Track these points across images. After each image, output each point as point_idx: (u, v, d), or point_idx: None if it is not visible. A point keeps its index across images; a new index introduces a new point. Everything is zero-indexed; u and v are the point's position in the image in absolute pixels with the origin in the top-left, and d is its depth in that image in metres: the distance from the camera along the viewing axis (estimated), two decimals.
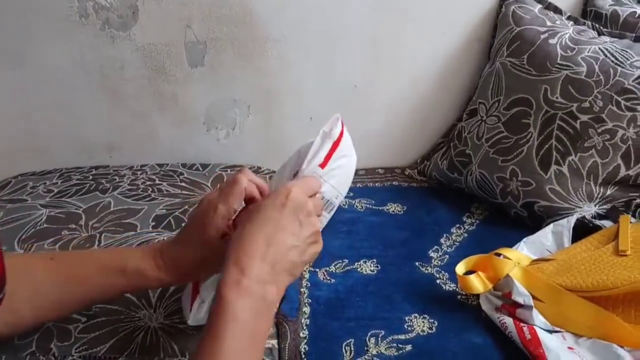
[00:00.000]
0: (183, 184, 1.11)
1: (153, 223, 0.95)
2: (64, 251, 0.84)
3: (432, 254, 0.93)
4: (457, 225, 1.02)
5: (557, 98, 0.95)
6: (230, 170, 1.18)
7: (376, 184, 1.20)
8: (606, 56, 0.93)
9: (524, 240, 0.88)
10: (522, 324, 0.71)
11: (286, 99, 1.19)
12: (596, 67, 0.93)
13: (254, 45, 1.13)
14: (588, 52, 0.95)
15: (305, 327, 0.75)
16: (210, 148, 1.23)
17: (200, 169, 1.18)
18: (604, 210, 0.95)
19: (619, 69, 0.92)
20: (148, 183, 1.11)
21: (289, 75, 1.17)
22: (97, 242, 0.88)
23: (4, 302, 0.51)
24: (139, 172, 1.16)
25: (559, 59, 0.96)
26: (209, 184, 1.12)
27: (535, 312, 0.72)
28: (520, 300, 0.73)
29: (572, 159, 0.94)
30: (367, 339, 0.73)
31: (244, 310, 0.49)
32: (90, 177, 1.13)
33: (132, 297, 0.77)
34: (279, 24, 1.11)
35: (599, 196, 0.95)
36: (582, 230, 0.89)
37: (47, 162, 1.20)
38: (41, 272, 0.62)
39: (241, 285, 0.49)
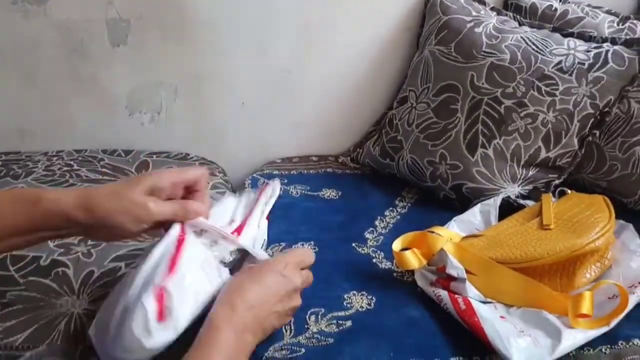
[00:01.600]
0: (104, 169, 1.05)
1: None
2: None
3: (367, 235, 0.94)
4: (390, 209, 1.04)
5: (482, 84, 0.99)
6: (156, 157, 1.12)
7: (310, 171, 1.19)
8: (528, 44, 0.99)
9: (454, 219, 0.91)
10: (456, 296, 0.72)
11: (216, 83, 1.16)
12: (519, 54, 0.98)
13: (182, 26, 1.09)
14: (511, 40, 1.00)
15: None
16: (133, 133, 1.17)
17: (123, 155, 1.12)
18: (527, 191, 1.00)
19: (540, 56, 0.97)
20: (65, 169, 1.03)
21: (219, 58, 1.13)
22: None
23: None
24: (54, 158, 1.08)
25: (484, 47, 1.00)
26: (133, 170, 1.06)
27: (468, 284, 0.74)
28: (454, 273, 0.74)
29: (497, 142, 0.98)
30: (307, 317, 0.72)
31: (230, 339, 0.54)
32: (0, 163, 1.04)
33: (52, 283, 0.71)
34: (209, 5, 1.08)
35: (522, 177, 1.00)
36: (507, 209, 0.93)
37: None
38: None
39: (231, 319, 0.55)
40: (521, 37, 1.00)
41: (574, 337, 0.64)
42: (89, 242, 0.79)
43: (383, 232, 0.96)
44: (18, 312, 0.66)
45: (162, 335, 0.52)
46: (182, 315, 0.54)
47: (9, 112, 1.10)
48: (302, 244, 0.89)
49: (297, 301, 0.64)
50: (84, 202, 0.56)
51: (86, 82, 1.10)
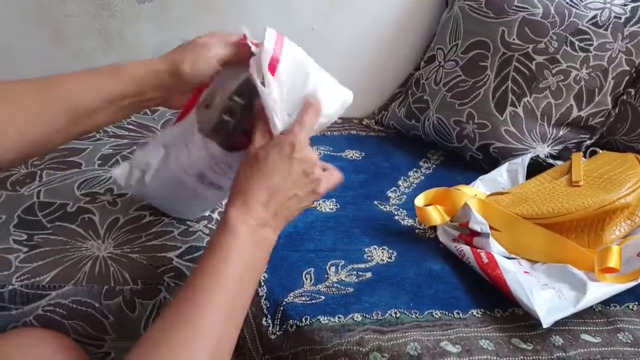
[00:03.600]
0: (130, 126, 1.06)
1: (99, 161, 0.89)
2: None
3: (390, 194, 0.93)
4: (414, 169, 1.02)
5: (513, 40, 0.96)
6: None
7: (334, 133, 1.18)
8: None
9: (479, 178, 0.89)
10: (479, 250, 0.71)
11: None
12: (552, 8, 0.94)
13: None
14: None
15: None
16: None
17: (149, 113, 1.13)
18: (557, 151, 0.98)
19: (574, 10, 0.93)
20: None
21: (243, 16, 1.12)
22: (37, 179, 0.82)
23: None
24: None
25: (516, 1, 0.97)
26: (158, 127, 1.07)
27: (492, 239, 0.73)
28: (477, 228, 0.73)
29: (527, 100, 0.96)
30: (327, 267, 0.72)
31: (247, 240, 0.52)
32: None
33: (78, 228, 0.72)
34: None
35: (552, 137, 0.97)
36: (536, 169, 0.91)
37: None
38: (20, 87, 0.54)
39: (246, 220, 0.52)
40: None
41: (600, 290, 0.63)
42: (115, 192, 0.80)
43: (406, 191, 0.95)
44: (45, 253, 0.67)
45: None
46: None
47: (39, 69, 1.11)
48: (324, 201, 0.88)
49: (318, 175, 0.58)
50: (164, 59, 0.59)
51: (113, 39, 1.10)
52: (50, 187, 0.80)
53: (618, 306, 0.66)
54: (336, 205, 0.88)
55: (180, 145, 0.64)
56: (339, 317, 0.63)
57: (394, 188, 0.95)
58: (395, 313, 0.64)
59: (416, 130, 1.11)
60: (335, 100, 0.63)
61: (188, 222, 0.76)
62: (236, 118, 0.62)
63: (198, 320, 0.47)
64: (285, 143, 0.55)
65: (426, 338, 0.60)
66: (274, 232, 0.56)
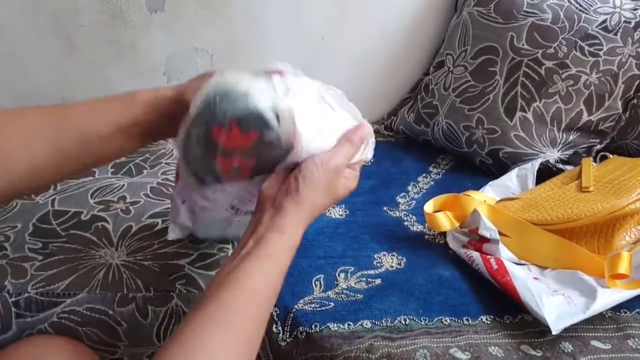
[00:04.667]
0: None
1: (112, 170, 0.91)
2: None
3: (399, 200, 0.93)
4: (424, 175, 1.03)
5: (522, 45, 0.96)
6: None
7: None
8: (571, 3, 0.95)
9: (489, 183, 0.89)
10: (488, 256, 0.71)
11: (251, 49, 1.16)
12: (561, 13, 0.94)
13: None
14: None
15: None
16: None
17: None
18: (567, 156, 0.97)
19: (583, 15, 0.93)
20: None
21: (254, 24, 1.13)
22: (52, 187, 0.84)
23: None
24: None
25: (525, 6, 0.97)
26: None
27: (501, 245, 0.73)
28: (487, 234, 0.73)
29: (537, 105, 0.96)
30: (337, 274, 0.73)
31: (290, 247, 0.52)
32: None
33: (92, 236, 0.73)
34: None
35: (562, 142, 0.97)
36: (546, 174, 0.91)
37: None
38: (32, 114, 0.54)
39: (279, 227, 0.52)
40: None
41: (610, 296, 0.63)
42: (127, 200, 0.81)
43: (415, 196, 0.95)
44: (59, 261, 0.69)
45: None
46: None
47: (52, 78, 1.13)
48: (333, 207, 0.89)
49: (349, 189, 0.58)
50: (177, 87, 0.58)
51: (125, 49, 1.12)
52: (65, 196, 0.81)
53: (628, 312, 0.66)
54: (345, 212, 0.88)
55: (197, 197, 0.64)
56: (348, 324, 0.64)
57: (403, 193, 0.95)
58: (405, 320, 0.65)
59: (425, 136, 1.11)
60: None
61: None
62: None
63: (236, 325, 0.46)
64: (331, 165, 0.54)
65: (435, 345, 0.60)
66: (301, 234, 0.55)
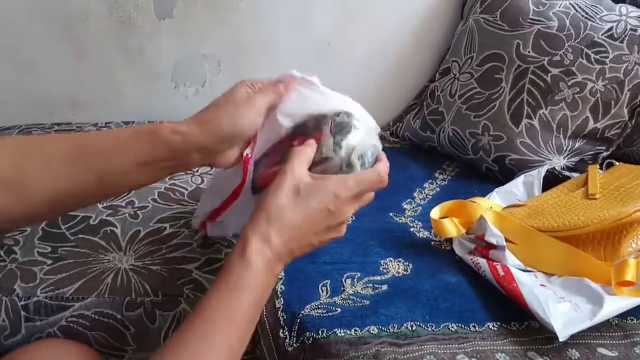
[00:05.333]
0: None
1: None
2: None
3: (405, 206, 0.93)
4: (430, 181, 1.03)
5: (528, 52, 0.96)
6: None
7: None
8: (577, 11, 0.95)
9: (495, 190, 0.89)
10: (495, 263, 0.71)
11: (258, 55, 1.17)
12: (567, 21, 0.94)
13: None
14: (559, 7, 0.96)
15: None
16: (178, 106, 1.19)
17: None
18: (573, 163, 0.98)
19: (589, 22, 0.93)
20: None
21: (261, 30, 1.14)
22: None
23: (13, 176, 0.48)
24: (104, 129, 1.12)
25: (531, 14, 0.97)
26: None
27: (507, 252, 0.73)
28: (493, 241, 0.73)
29: (543, 112, 0.96)
30: (343, 280, 0.73)
31: (263, 273, 0.51)
32: (53, 133, 1.09)
33: (100, 241, 0.74)
34: None
35: (568, 149, 0.97)
36: (552, 181, 0.91)
37: (5, 118, 1.14)
38: (53, 144, 0.52)
39: (264, 253, 0.51)
40: (570, 4, 0.96)
41: (617, 304, 0.62)
42: (136, 205, 0.82)
43: (421, 203, 0.95)
44: (68, 266, 0.69)
45: None
46: None
47: (61, 83, 1.14)
48: None
49: (340, 233, 0.58)
50: (201, 119, 0.55)
51: (134, 55, 1.13)
52: None
53: (635, 319, 0.66)
54: (351, 217, 0.88)
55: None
56: (355, 330, 0.64)
57: (409, 200, 0.96)
58: (412, 326, 0.65)
59: (431, 142, 1.12)
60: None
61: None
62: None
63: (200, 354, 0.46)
64: (333, 188, 0.53)
65: (442, 351, 0.60)
66: (282, 268, 0.54)
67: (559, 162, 0.97)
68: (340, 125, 0.58)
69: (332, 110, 0.59)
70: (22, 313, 0.65)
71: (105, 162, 0.52)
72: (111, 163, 0.52)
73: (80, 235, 0.75)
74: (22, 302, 0.65)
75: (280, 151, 0.59)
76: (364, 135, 0.59)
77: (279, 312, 0.68)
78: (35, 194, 0.50)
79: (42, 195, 0.50)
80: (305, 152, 0.56)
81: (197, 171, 0.93)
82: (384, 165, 0.60)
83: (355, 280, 0.73)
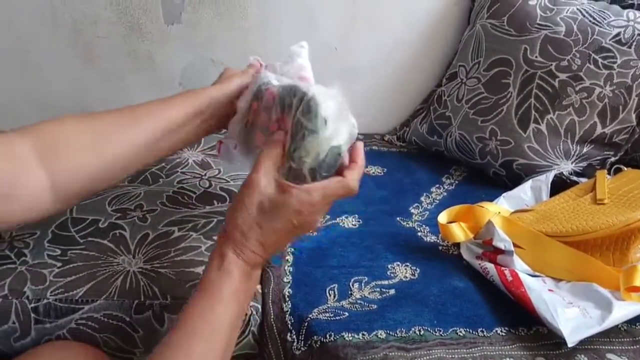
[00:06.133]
0: None
1: (129, 178, 0.92)
2: None
3: (412, 210, 0.93)
4: (437, 185, 1.03)
5: (536, 57, 0.96)
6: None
7: None
8: (584, 16, 0.95)
9: (503, 195, 0.89)
10: (503, 268, 0.71)
11: (265, 60, 1.17)
12: (574, 26, 0.94)
13: (233, 3, 1.11)
14: (567, 12, 0.96)
15: (288, 274, 0.74)
16: None
17: None
18: (580, 168, 0.97)
19: (597, 28, 0.93)
20: None
21: (268, 36, 1.15)
22: None
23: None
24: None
25: (538, 19, 0.98)
26: None
27: (516, 257, 0.73)
28: (501, 245, 0.73)
29: (551, 117, 0.96)
30: (351, 284, 0.73)
31: (242, 281, 0.54)
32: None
33: (110, 244, 0.75)
34: None
35: (576, 154, 0.97)
36: (560, 186, 0.91)
37: (12, 123, 1.14)
38: (72, 122, 0.59)
39: (242, 266, 0.54)
40: (577, 9, 0.96)
41: (625, 309, 0.62)
42: (144, 208, 0.83)
43: (429, 207, 0.95)
44: (78, 268, 0.70)
45: None
46: None
47: (69, 89, 1.15)
48: (347, 217, 0.89)
49: (313, 229, 0.62)
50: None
51: (142, 60, 1.14)
52: (83, 204, 0.83)
53: None
54: (359, 221, 0.89)
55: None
56: (362, 334, 0.64)
57: (416, 204, 0.96)
58: (419, 330, 0.65)
59: (438, 147, 1.12)
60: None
61: (214, 238, 0.78)
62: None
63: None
64: (296, 213, 0.55)
65: (450, 356, 0.60)
66: (259, 271, 0.58)
67: (566, 167, 0.97)
68: (307, 118, 0.57)
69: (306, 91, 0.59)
70: (32, 315, 0.66)
71: (161, 116, 0.62)
72: (166, 116, 0.62)
73: (90, 239, 0.75)
74: (32, 305, 0.66)
75: (266, 114, 0.63)
76: (333, 129, 0.57)
77: (287, 315, 0.68)
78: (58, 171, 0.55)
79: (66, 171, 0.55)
80: (271, 156, 0.57)
81: (205, 175, 0.94)
82: (356, 171, 0.58)
83: (362, 284, 0.73)
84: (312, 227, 0.58)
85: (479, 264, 0.75)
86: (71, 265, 0.70)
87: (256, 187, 0.55)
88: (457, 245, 0.81)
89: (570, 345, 0.59)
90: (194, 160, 0.99)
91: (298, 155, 0.57)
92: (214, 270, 0.53)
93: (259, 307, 0.70)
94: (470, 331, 0.65)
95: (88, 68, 1.14)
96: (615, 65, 0.92)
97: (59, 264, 0.70)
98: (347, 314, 0.67)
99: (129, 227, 0.78)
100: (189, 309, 0.51)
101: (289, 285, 0.72)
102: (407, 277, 0.75)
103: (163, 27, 1.11)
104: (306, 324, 0.66)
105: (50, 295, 0.66)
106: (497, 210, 0.82)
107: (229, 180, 0.93)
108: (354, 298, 0.70)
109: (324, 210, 0.58)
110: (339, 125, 0.58)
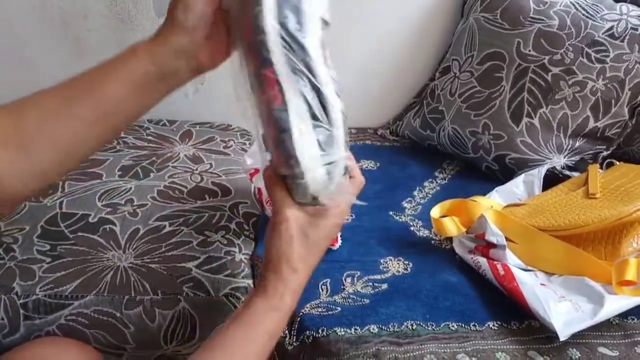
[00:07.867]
0: (150, 137, 1.08)
1: (120, 172, 0.91)
2: None
3: (405, 205, 0.93)
4: (430, 180, 1.03)
5: (529, 51, 0.96)
6: (199, 127, 1.15)
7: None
8: (577, 10, 0.95)
9: (496, 189, 0.89)
10: (495, 262, 0.71)
11: None
12: (568, 20, 0.94)
13: None
14: (560, 5, 0.96)
15: None
16: (178, 104, 1.19)
17: (168, 125, 1.15)
18: (573, 162, 0.97)
19: (590, 22, 0.93)
20: None
21: None
22: (60, 189, 0.84)
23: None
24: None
25: (531, 12, 0.97)
26: (177, 139, 1.09)
27: (508, 251, 0.73)
28: (493, 240, 0.73)
29: (543, 111, 0.96)
30: (343, 278, 0.73)
31: (285, 313, 0.52)
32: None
33: (100, 239, 0.74)
34: None
35: (568, 148, 0.97)
36: (552, 180, 0.91)
37: None
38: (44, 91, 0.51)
39: (286, 298, 0.52)
40: (571, 3, 0.96)
41: (617, 303, 0.62)
42: (135, 203, 0.82)
43: (421, 202, 0.95)
44: (67, 264, 0.69)
45: None
46: None
47: (60, 80, 1.14)
48: None
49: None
50: (160, 28, 0.55)
51: None
52: (72, 198, 0.82)
53: (636, 319, 0.66)
54: (351, 216, 0.88)
55: None
56: (355, 329, 0.64)
57: (409, 198, 0.95)
58: (412, 325, 0.65)
59: (431, 141, 1.11)
60: None
61: (206, 233, 0.77)
62: None
63: None
64: (329, 230, 0.55)
65: (442, 350, 0.60)
66: (293, 302, 0.55)
67: (559, 161, 0.97)
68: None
69: None
70: (21, 311, 0.65)
71: (100, 90, 0.51)
72: (107, 93, 0.51)
73: (80, 233, 0.75)
74: (21, 301, 0.65)
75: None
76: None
77: None
78: (39, 145, 0.49)
79: (46, 144, 0.49)
80: (284, 193, 0.54)
81: (197, 169, 0.93)
82: (356, 169, 0.62)
83: (355, 279, 0.73)
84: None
85: (472, 258, 0.74)
86: (61, 261, 0.69)
87: (292, 221, 0.53)
88: (450, 239, 0.81)
89: (562, 339, 0.59)
90: (185, 155, 0.98)
91: (297, 200, 0.54)
92: (260, 298, 0.52)
93: None
94: (463, 325, 0.65)
95: (78, 61, 1.13)
96: (608, 59, 0.92)
97: (48, 260, 0.69)
98: (339, 308, 0.67)
99: (120, 222, 0.77)
100: (226, 332, 0.50)
101: None
102: (399, 272, 0.75)
103: (154, 20, 1.10)
104: (298, 319, 0.66)
105: (40, 291, 0.65)
106: (490, 204, 0.82)
107: (220, 174, 0.93)
108: (346, 293, 0.70)
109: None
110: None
